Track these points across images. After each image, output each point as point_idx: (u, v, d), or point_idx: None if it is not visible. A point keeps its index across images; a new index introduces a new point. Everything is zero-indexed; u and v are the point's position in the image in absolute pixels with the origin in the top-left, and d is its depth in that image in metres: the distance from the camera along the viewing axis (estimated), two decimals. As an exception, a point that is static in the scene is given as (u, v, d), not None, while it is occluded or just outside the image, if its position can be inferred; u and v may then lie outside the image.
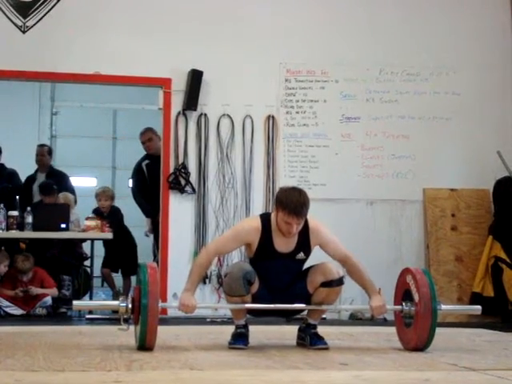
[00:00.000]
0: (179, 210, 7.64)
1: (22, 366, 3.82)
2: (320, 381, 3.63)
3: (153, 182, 7.91)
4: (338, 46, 8.00)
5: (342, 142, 7.94)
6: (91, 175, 13.45)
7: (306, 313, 4.90)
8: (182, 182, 7.65)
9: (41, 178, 8.77)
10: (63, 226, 7.62)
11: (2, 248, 7.87)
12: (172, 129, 7.71)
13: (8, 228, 7.38)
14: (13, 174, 8.50)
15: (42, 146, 9.47)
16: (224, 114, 7.78)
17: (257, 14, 7.91)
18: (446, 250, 7.86)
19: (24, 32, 7.54)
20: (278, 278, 4.70)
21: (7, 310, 7.36)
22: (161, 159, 7.73)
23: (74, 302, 4.84)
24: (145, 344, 4.40)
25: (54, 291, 7.66)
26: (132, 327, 4.55)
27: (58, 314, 7.64)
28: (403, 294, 4.75)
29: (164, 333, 4.81)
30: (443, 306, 4.66)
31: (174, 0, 7.86)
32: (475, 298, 7.41)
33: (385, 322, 6.64)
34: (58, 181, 8.63)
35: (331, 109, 7.93)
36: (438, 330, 4.62)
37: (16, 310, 7.40)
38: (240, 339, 4.69)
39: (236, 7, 7.88)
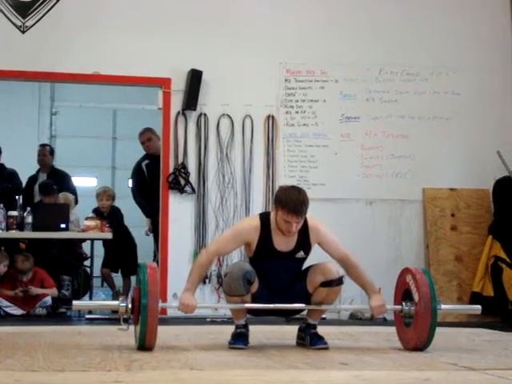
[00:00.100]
0: (179, 209, 7.64)
1: (21, 366, 3.82)
2: (320, 381, 3.63)
3: (153, 182, 7.91)
4: (338, 45, 8.00)
5: (342, 142, 7.94)
6: (91, 175, 13.44)
7: (305, 313, 4.90)
8: (182, 181, 7.65)
9: (42, 177, 8.79)
10: (63, 226, 7.62)
11: (2, 248, 7.86)
12: (172, 129, 7.71)
13: (8, 228, 7.39)
14: (12, 174, 8.51)
15: (43, 145, 9.48)
16: (224, 114, 7.78)
17: (256, 14, 7.91)
18: (446, 249, 7.86)
19: (23, 32, 7.54)
20: (278, 278, 4.70)
21: (7, 309, 7.36)
22: (160, 159, 7.73)
23: (74, 302, 4.83)
24: (145, 344, 4.40)
25: (54, 291, 7.66)
26: (132, 327, 4.54)
27: (58, 314, 7.64)
28: (403, 293, 4.75)
29: (164, 333, 4.81)
30: (443, 306, 4.66)
31: (173, 0, 7.86)
32: (475, 298, 7.42)
33: (384, 322, 6.65)
34: (59, 181, 8.64)
35: (331, 109, 7.93)
36: (438, 330, 4.62)
37: (16, 310, 7.40)
38: (240, 339, 4.69)
39: (236, 7, 7.88)
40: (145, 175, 8.24)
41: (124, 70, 7.61)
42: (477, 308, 5.06)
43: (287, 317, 5.31)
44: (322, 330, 4.88)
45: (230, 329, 4.83)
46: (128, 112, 13.41)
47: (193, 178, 7.69)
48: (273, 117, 7.86)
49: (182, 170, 7.66)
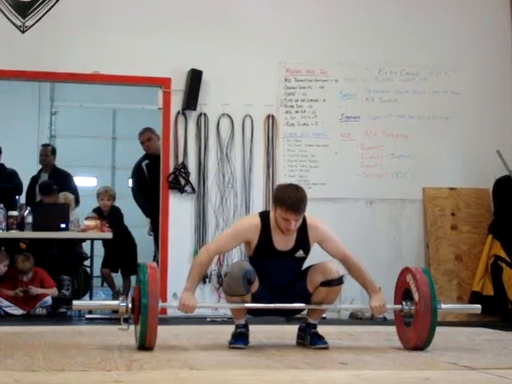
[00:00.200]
0: (179, 209, 7.64)
1: (21, 365, 3.82)
2: (320, 380, 3.63)
3: (153, 181, 7.91)
4: (338, 45, 8.00)
5: (342, 142, 7.94)
6: (91, 175, 13.44)
7: (305, 312, 4.89)
8: (182, 181, 7.65)
9: (44, 177, 8.81)
10: (63, 225, 7.62)
11: (2, 248, 7.87)
12: (171, 128, 7.71)
13: (8, 228, 7.39)
14: (12, 174, 8.50)
15: (45, 145, 9.50)
16: (224, 114, 7.78)
17: (256, 14, 7.91)
18: (446, 249, 7.86)
19: (23, 32, 7.54)
20: (278, 277, 4.70)
21: (7, 309, 7.36)
22: (160, 159, 7.73)
23: (74, 302, 4.83)
24: (145, 344, 4.40)
25: (54, 291, 7.66)
26: (132, 327, 4.54)
27: (58, 313, 7.64)
28: (403, 293, 4.75)
29: (164, 332, 4.81)
30: (443, 305, 4.66)
31: (173, 0, 7.86)
32: (475, 297, 7.42)
33: (385, 322, 6.65)
34: (61, 180, 8.65)
35: (331, 108, 7.94)
36: (438, 329, 4.62)
37: (16, 310, 7.40)
38: (240, 339, 4.69)
39: (235, 7, 7.88)
40: (145, 175, 8.24)
41: (124, 70, 7.61)
42: (477, 307, 5.06)
43: (287, 316, 5.31)
44: (322, 329, 4.88)
45: (230, 328, 4.83)
46: (128, 112, 13.40)
47: (193, 178, 7.69)
48: (273, 116, 7.86)
49: (182, 170, 7.66)
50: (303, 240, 4.71)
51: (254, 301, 4.65)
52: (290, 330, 5.14)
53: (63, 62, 7.56)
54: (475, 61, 8.16)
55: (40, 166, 9.30)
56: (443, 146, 8.08)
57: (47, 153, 9.04)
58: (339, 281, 4.67)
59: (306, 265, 4.80)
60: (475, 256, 7.78)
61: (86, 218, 7.84)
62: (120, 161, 13.55)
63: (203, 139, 7.74)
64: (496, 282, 7.55)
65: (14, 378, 3.41)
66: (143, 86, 8.24)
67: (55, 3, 7.58)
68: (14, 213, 7.48)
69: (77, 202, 8.56)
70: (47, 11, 7.56)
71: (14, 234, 7.48)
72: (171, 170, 7.67)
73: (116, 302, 4.57)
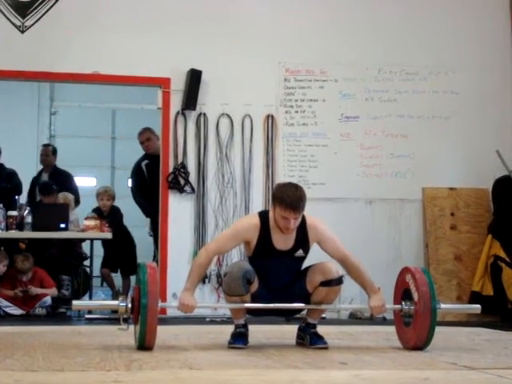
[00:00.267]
0: (178, 209, 7.64)
1: (21, 365, 3.82)
2: (319, 380, 3.63)
3: (152, 181, 7.91)
4: (337, 45, 8.00)
5: (341, 142, 7.94)
6: (90, 175, 13.43)
7: (305, 312, 4.89)
8: (182, 181, 7.65)
9: (45, 177, 8.80)
10: (62, 225, 7.62)
11: (2, 248, 7.86)
12: (171, 128, 7.71)
13: (7, 228, 7.39)
14: (12, 174, 8.50)
15: (46, 145, 9.50)
16: (223, 114, 7.78)
17: (256, 14, 7.91)
18: (446, 249, 7.86)
19: (22, 32, 7.54)
20: (278, 277, 4.70)
21: (7, 309, 7.36)
22: (160, 159, 7.73)
23: (74, 302, 4.83)
24: (144, 344, 4.40)
25: (54, 291, 7.66)
26: (131, 327, 4.54)
27: (58, 313, 7.64)
28: (402, 293, 4.75)
29: (163, 332, 4.81)
30: (442, 305, 4.66)
31: (172, 0, 7.86)
32: (474, 297, 7.42)
33: (384, 322, 6.64)
34: (61, 180, 8.65)
35: (330, 108, 7.94)
36: (438, 329, 4.62)
37: (15, 310, 7.40)
38: (239, 339, 4.69)
39: (235, 7, 7.88)
40: (144, 175, 8.24)
41: (123, 70, 7.61)
42: (476, 307, 5.06)
43: (287, 316, 5.30)
44: (321, 329, 4.88)
45: (230, 328, 4.83)
46: (127, 112, 13.41)
47: (192, 178, 7.69)
48: (272, 116, 7.86)
49: (182, 170, 7.66)
50: (303, 239, 4.71)
51: (253, 301, 4.64)
52: (290, 330, 5.14)
53: (62, 62, 7.56)
54: (475, 61, 8.16)
55: (40, 166, 9.31)
56: (443, 145, 8.08)
57: (48, 153, 9.04)
58: (339, 281, 4.67)
59: (305, 265, 4.80)
60: (475, 256, 7.78)
61: (86, 218, 7.84)
62: (119, 161, 13.55)
63: (203, 139, 7.74)
64: (495, 282, 7.56)
65: (13, 378, 3.41)
66: (142, 86, 8.25)
67: (54, 3, 7.58)
68: (14, 213, 7.47)
69: (77, 202, 8.56)
70: (46, 11, 7.56)
71: (14, 233, 7.48)
72: (171, 169, 7.67)
73: (115, 302, 4.57)
